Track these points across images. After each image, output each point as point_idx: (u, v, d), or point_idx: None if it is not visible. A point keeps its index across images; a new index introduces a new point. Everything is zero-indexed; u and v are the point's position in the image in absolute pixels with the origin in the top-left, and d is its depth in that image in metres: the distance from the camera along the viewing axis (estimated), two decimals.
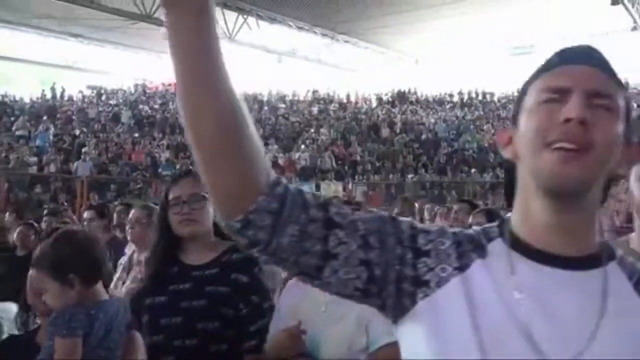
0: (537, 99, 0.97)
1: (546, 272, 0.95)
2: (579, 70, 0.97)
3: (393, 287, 0.97)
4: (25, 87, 27.96)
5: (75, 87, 28.51)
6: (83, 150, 16.74)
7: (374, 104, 27.18)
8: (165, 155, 17.80)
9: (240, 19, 21.83)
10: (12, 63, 30.15)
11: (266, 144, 19.38)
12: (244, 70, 29.12)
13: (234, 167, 0.92)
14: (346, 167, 17.67)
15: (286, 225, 0.93)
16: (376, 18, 21.87)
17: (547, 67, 1.01)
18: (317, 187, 13.27)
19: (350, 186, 12.67)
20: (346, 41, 25.61)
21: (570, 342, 0.89)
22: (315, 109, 25.43)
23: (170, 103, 26.22)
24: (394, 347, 2.09)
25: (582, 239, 0.97)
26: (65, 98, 26.60)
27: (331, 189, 12.60)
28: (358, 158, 18.51)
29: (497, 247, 0.99)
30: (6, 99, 24.99)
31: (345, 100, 27.19)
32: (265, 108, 25.92)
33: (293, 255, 0.95)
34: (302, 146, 18.73)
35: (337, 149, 18.08)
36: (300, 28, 23.66)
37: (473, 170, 16.82)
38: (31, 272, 2.01)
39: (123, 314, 2.03)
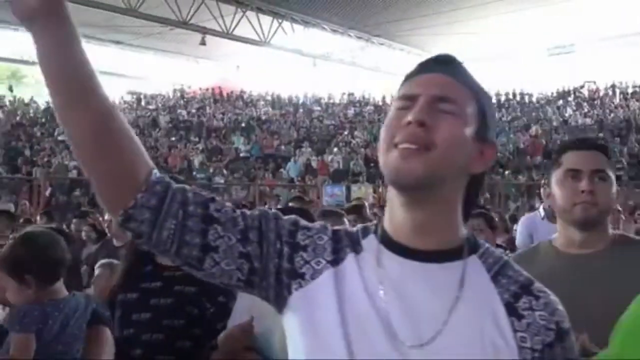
0: (394, 107, 1.07)
1: (407, 265, 1.02)
2: (430, 78, 1.06)
3: (273, 278, 1.04)
4: None
5: (117, 93, 29.25)
6: None
7: None
8: (199, 158, 18.10)
9: (275, 23, 22.04)
10: None
11: (300, 147, 19.52)
12: (279, 74, 29.41)
13: (111, 169, 1.00)
14: (378, 170, 17.65)
15: (165, 219, 1.01)
16: (412, 20, 21.79)
17: (408, 77, 1.10)
18: (348, 190, 13.30)
19: (380, 189, 12.68)
20: (381, 43, 25.58)
21: (423, 329, 0.97)
22: (350, 112, 25.46)
23: (207, 107, 26.65)
24: None
25: (439, 234, 1.04)
26: None
27: (362, 191, 12.61)
28: None
29: (370, 243, 1.07)
30: (50, 105, 25.72)
31: (380, 103, 27.14)
32: (301, 111, 26.08)
33: (173, 247, 1.02)
34: (335, 149, 18.79)
35: (370, 152, 18.08)
36: (334, 31, 23.74)
37: (507, 172, 16.60)
38: None
39: (83, 310, 2.11)
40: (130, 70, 29.89)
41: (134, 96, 28.96)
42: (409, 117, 1.00)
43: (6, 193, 14.16)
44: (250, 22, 21.37)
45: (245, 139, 20.68)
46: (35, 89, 30.17)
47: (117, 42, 25.81)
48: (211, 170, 17.22)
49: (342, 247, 1.07)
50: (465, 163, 1.04)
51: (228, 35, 21.93)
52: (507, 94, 26.24)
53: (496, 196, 13.63)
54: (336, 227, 1.12)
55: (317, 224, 1.12)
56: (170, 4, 19.57)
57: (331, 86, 28.42)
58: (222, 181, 16.67)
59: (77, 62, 0.99)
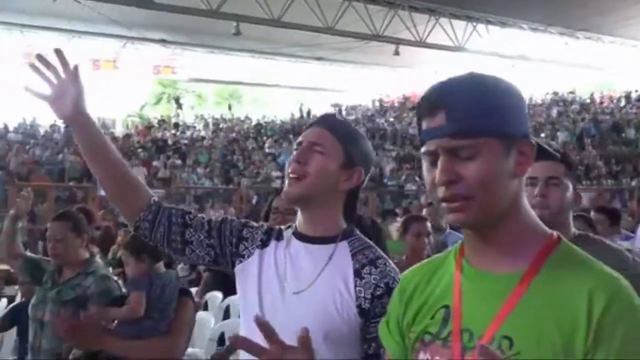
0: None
1: (300, 245, 1.66)
2: (311, 130, 1.67)
3: (228, 258, 1.72)
4: (282, 110, 31.30)
5: (321, 106, 31.11)
6: None
7: (623, 103, 24.88)
8: (391, 166, 18.63)
9: (470, 27, 21.85)
10: (270, 88, 33.89)
11: None
12: None
13: (125, 199, 1.75)
14: (578, 172, 16.63)
15: (158, 226, 1.72)
16: (623, 10, 20.15)
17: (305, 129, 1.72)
18: None
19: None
20: (588, 38, 23.94)
21: (302, 284, 1.60)
22: (554, 112, 24.20)
23: (405, 115, 27.17)
24: None
25: (321, 227, 1.64)
26: (313, 116, 29.19)
27: None
28: (590, 161, 17.29)
29: (288, 233, 1.71)
30: (261, 121, 28.23)
31: (588, 101, 25.37)
32: None
33: (164, 243, 1.72)
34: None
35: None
36: (534, 29, 22.80)
37: None
38: (121, 252, 2.87)
39: (174, 283, 2.84)
40: (331, 84, 31.51)
41: (336, 108, 30.55)
42: (293, 157, 1.62)
43: (220, 202, 15.98)
44: (443, 29, 21.46)
45: None
46: (251, 107, 33.34)
47: (319, 59, 27.47)
48: (403, 178, 17.64)
49: (271, 236, 1.71)
50: (333, 184, 1.61)
51: (421, 43, 22.26)
52: None
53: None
54: (269, 225, 1.78)
55: (258, 223, 1.78)
56: (364, 19, 20.47)
57: (531, 87, 27.22)
58: (414, 188, 17.00)
59: (99, 147, 1.71)
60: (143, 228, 1.71)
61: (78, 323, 2.45)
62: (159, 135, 24.84)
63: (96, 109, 28.52)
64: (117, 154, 1.73)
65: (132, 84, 31.86)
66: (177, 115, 30.35)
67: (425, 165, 1.12)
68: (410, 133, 23.58)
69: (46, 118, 24.25)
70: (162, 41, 24.19)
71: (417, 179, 17.48)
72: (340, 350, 1.52)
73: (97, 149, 1.70)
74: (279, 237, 1.70)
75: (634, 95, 25.31)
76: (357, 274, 1.57)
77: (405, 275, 1.26)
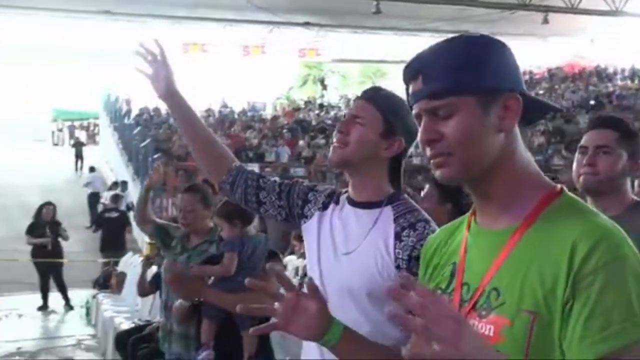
0: None
1: (350, 209, 1.80)
2: (355, 102, 1.85)
3: (297, 218, 1.93)
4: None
5: None
6: None
7: None
8: (539, 140, 17.80)
9: None
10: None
11: None
12: (638, 43, 26.49)
13: (211, 163, 2.02)
14: None
15: (237, 188, 1.97)
16: None
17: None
18: None
19: None
20: None
21: (350, 245, 1.75)
22: None
23: (557, 87, 25.67)
24: None
25: (367, 193, 1.77)
26: None
27: None
28: None
29: (343, 198, 1.86)
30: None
31: None
32: None
33: (242, 202, 1.97)
34: None
35: None
36: None
37: None
38: (215, 218, 3.24)
39: (263, 245, 3.12)
40: None
41: None
42: (337, 128, 1.79)
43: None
44: None
45: (593, 118, 19.43)
46: (395, 85, 33.17)
47: (464, 32, 26.71)
48: (549, 152, 16.82)
49: (330, 200, 1.87)
50: (374, 152, 1.73)
51: (573, 9, 20.86)
52: None
53: None
54: (332, 189, 1.95)
55: (324, 186, 1.99)
56: None
57: None
58: (561, 162, 16.13)
59: (189, 120, 2.02)
60: (225, 190, 1.99)
61: (182, 276, 2.84)
62: (304, 116, 25.64)
63: (247, 93, 30.27)
64: (205, 126, 2.04)
65: (280, 67, 33.06)
66: (322, 96, 31.11)
67: (418, 127, 1.18)
68: (564, 105, 22.31)
69: (203, 103, 26.10)
70: (306, 24, 24.89)
71: (564, 153, 16.56)
72: (381, 305, 1.62)
73: (188, 121, 2.01)
74: (338, 200, 1.85)
75: None
76: (397, 236, 1.67)
77: (430, 237, 1.34)
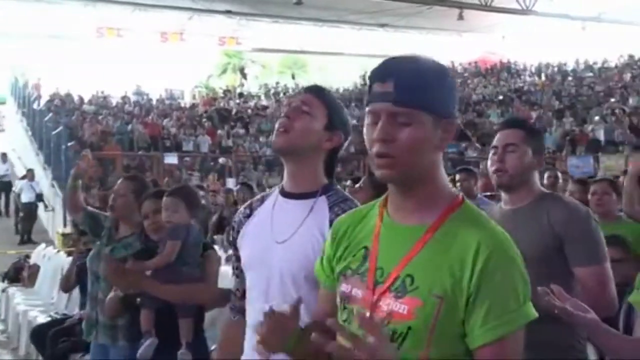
0: None
1: (285, 201, 1.87)
2: (302, 94, 1.90)
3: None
4: (346, 77, 31.21)
5: None
6: None
7: None
8: None
9: None
10: (334, 57, 33.79)
11: (561, 117, 18.56)
12: (546, 41, 27.89)
13: None
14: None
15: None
16: None
17: None
18: (596, 160, 12.43)
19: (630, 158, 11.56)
20: None
21: (285, 234, 1.81)
22: (627, 76, 23.13)
23: (469, 81, 26.64)
24: None
25: (302, 183, 1.84)
26: None
27: (611, 162, 11.66)
28: None
29: (273, 194, 1.93)
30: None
31: None
32: (570, 78, 24.52)
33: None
34: (597, 118, 17.47)
35: (637, 119, 16.41)
36: None
37: None
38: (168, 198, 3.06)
39: (200, 235, 3.09)
40: (396, 51, 30.58)
41: None
42: (283, 113, 1.86)
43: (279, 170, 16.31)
44: None
45: (503, 112, 20.33)
46: (315, 76, 33.42)
47: (383, 25, 27.22)
48: (463, 145, 17.44)
49: (252, 208, 1.96)
50: (316, 142, 1.81)
51: (487, 7, 21.66)
52: None
53: None
54: (249, 202, 2.02)
55: (236, 215, 2.04)
56: None
57: (604, 50, 26.03)
58: (475, 155, 16.79)
59: None
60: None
61: (122, 268, 2.79)
62: (224, 105, 25.37)
63: (164, 80, 29.58)
64: None
65: (199, 55, 32.47)
66: (242, 85, 30.85)
67: (367, 124, 1.31)
68: (474, 100, 23.17)
69: (117, 90, 25.30)
70: (227, 12, 24.58)
71: (477, 146, 17.23)
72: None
73: None
74: (262, 202, 1.94)
75: None
76: (332, 224, 1.67)
77: (340, 219, 1.50)
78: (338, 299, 1.39)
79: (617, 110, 17.30)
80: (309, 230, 1.78)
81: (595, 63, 25.81)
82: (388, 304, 1.26)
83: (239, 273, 1.97)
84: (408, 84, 1.25)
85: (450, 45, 29.93)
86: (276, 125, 1.84)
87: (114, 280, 2.87)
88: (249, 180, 11.50)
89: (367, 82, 1.32)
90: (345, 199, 1.84)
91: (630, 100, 19.13)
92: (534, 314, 1.24)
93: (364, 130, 1.31)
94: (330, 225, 1.69)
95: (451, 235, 1.26)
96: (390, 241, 1.31)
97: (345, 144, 1.91)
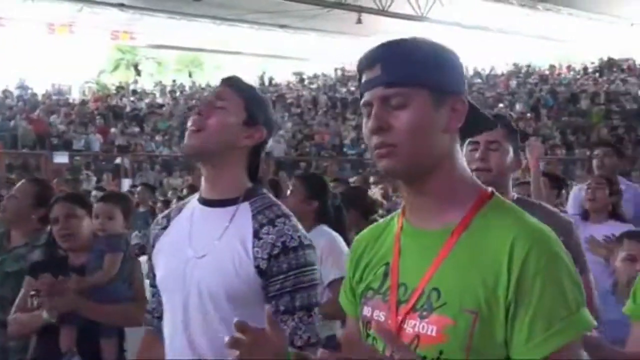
0: None
1: (203, 210, 1.67)
2: (217, 88, 1.68)
3: None
4: (245, 77, 30.77)
5: (284, 74, 30.85)
6: (279, 132, 18.26)
7: (579, 74, 25.30)
8: (352, 135, 18.67)
9: None
10: (233, 56, 33.36)
11: None
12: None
13: None
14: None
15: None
16: None
17: None
18: None
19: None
20: (547, 9, 24.14)
21: (203, 247, 1.59)
22: (513, 83, 24.47)
23: None
24: (342, 280, 2.82)
25: (222, 188, 1.63)
26: (274, 84, 28.95)
27: None
28: (547, 132, 17.60)
29: (191, 202, 1.74)
30: None
31: (547, 72, 25.71)
32: None
33: None
34: None
35: (524, 124, 17.37)
36: (496, 0, 22.88)
37: None
38: (104, 204, 2.84)
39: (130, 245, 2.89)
40: (294, 52, 31.19)
41: (298, 77, 30.30)
42: (194, 111, 1.62)
43: (179, 170, 15.84)
44: None
45: None
46: (212, 75, 32.80)
47: (282, 26, 27.15)
48: (362, 146, 17.71)
49: (169, 219, 1.74)
50: (233, 140, 1.61)
51: (384, 12, 22.15)
52: None
53: None
54: (168, 211, 1.82)
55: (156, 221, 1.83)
56: None
57: (492, 58, 27.43)
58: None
59: None
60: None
61: (60, 286, 2.42)
62: (117, 102, 24.35)
63: (51, 74, 27.95)
64: None
65: (89, 49, 30.97)
66: (136, 82, 29.72)
67: (364, 119, 1.15)
68: None
69: None
70: (120, 5, 23.56)
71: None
72: (244, 309, 1.53)
73: None
74: (179, 212, 1.74)
75: (590, 67, 25.75)
76: (256, 234, 1.57)
77: (358, 237, 1.31)
78: (360, 325, 1.21)
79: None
80: (229, 242, 1.57)
81: (483, 70, 27.12)
82: (414, 325, 1.07)
83: (155, 292, 1.75)
84: (397, 62, 1.11)
85: (347, 50, 30.39)
86: (188, 125, 1.63)
87: (49, 299, 2.45)
88: (147, 181, 11.04)
89: (357, 75, 1.19)
90: (272, 205, 1.64)
91: (517, 106, 20.23)
92: (591, 322, 1.04)
93: (363, 130, 1.17)
94: (254, 235, 1.57)
95: (481, 236, 1.08)
96: (412, 251, 1.14)
97: (270, 140, 1.73)
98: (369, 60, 1.14)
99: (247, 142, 1.65)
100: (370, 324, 1.15)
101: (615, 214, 3.52)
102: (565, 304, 1.02)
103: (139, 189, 7.87)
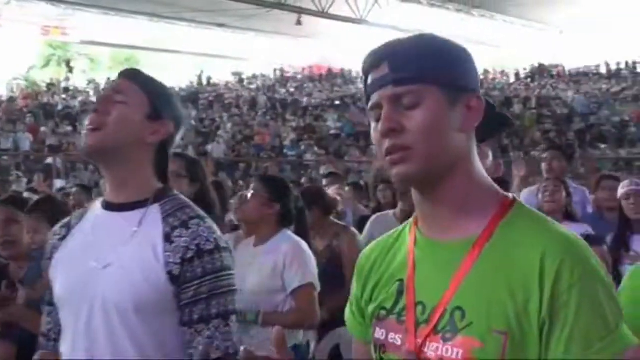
0: None
1: (108, 216, 1.51)
2: (115, 81, 1.57)
3: None
4: (183, 77, 30.30)
5: (222, 74, 30.48)
6: (218, 133, 18.01)
7: (512, 79, 26.12)
8: (292, 136, 18.61)
9: (372, 0, 22.02)
10: (170, 55, 32.73)
11: None
12: None
13: None
14: None
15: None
16: None
17: None
18: None
19: None
20: (482, 15, 24.80)
21: (108, 256, 1.44)
22: None
23: (305, 86, 27.17)
24: (306, 288, 2.57)
25: (127, 190, 1.49)
26: (213, 84, 28.58)
27: None
28: None
29: (94, 208, 1.57)
30: None
31: (482, 77, 26.37)
32: None
33: None
34: None
35: None
36: (432, 5, 23.32)
37: (603, 145, 15.77)
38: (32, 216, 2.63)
39: None
40: (233, 52, 30.90)
41: (236, 77, 30.02)
42: (92, 108, 1.49)
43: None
44: (346, 0, 21.49)
45: (339, 117, 20.96)
46: (148, 73, 32.01)
47: (221, 25, 26.82)
48: (302, 148, 17.68)
49: (70, 224, 1.59)
50: (137, 136, 1.47)
51: (324, 14, 22.20)
52: (617, 64, 24.64)
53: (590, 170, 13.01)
54: (67, 220, 1.64)
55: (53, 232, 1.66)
56: None
57: None
58: (313, 158, 17.08)
59: None
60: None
61: (5, 296, 2.27)
62: (48, 100, 23.46)
63: None
64: None
65: (18, 44, 29.74)
66: (67, 80, 28.72)
67: (372, 124, 1.06)
68: (312, 104, 23.63)
69: None
70: None
71: (316, 150, 17.56)
72: (154, 320, 1.42)
73: None
74: (81, 219, 1.58)
75: (522, 73, 26.61)
76: (167, 238, 1.44)
77: (365, 252, 1.20)
78: (372, 350, 1.10)
79: None
80: (137, 249, 1.43)
81: None
82: (436, 349, 0.97)
83: (51, 310, 1.57)
84: (406, 58, 1.02)
85: (287, 50, 30.38)
86: (85, 124, 1.48)
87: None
88: (81, 182, 10.62)
89: (362, 77, 1.09)
90: (184, 207, 1.50)
91: None
92: (634, 340, 0.95)
93: (372, 135, 1.07)
94: (165, 239, 1.43)
95: (506, 248, 0.98)
96: (428, 266, 1.04)
97: (179, 136, 1.57)
98: (375, 59, 1.05)
99: (153, 138, 1.51)
100: (384, 348, 1.05)
101: (569, 215, 3.58)
102: (604, 321, 0.93)
103: (74, 190, 7.53)
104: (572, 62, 26.40)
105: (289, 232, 2.87)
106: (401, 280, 1.07)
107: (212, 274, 1.43)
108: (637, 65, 24.25)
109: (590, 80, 24.15)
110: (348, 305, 1.21)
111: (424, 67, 1.02)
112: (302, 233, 2.95)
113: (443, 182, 1.03)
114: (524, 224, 1.01)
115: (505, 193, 1.08)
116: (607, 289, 0.96)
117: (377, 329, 1.08)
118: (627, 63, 24.61)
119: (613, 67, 24.67)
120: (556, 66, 26.46)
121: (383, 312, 1.08)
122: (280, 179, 3.18)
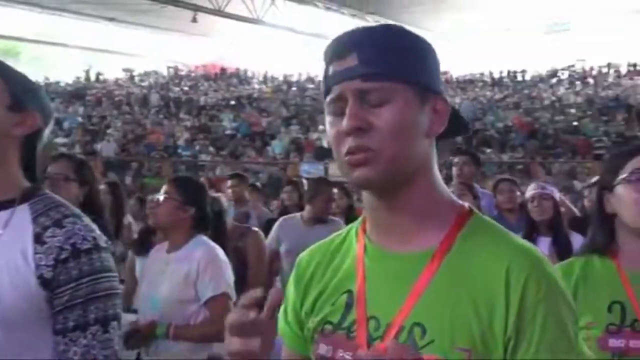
0: None
1: None
2: None
3: None
4: (69, 71, 28.82)
5: (113, 70, 29.32)
6: (108, 131, 17.27)
7: None
8: (186, 136, 18.19)
9: (268, 0, 21.95)
10: (55, 47, 31.06)
11: (288, 124, 19.58)
12: (274, 52, 29.32)
13: None
14: None
15: None
16: None
17: None
18: (326, 169, 13.38)
19: None
20: (376, 21, 25.42)
21: None
22: None
23: (200, 85, 26.67)
24: (220, 298, 2.65)
25: None
26: (102, 80, 27.40)
27: (335, 171, 12.56)
28: None
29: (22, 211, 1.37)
30: (43, 83, 25.83)
31: None
32: (294, 89, 26.07)
33: None
34: (321, 127, 18.83)
35: None
36: (327, 8, 23.60)
37: (488, 150, 16.61)
38: None
39: None
40: (124, 47, 29.83)
41: (127, 73, 28.99)
42: None
43: None
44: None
45: (235, 117, 20.73)
46: (30, 67, 30.29)
47: (111, 19, 25.79)
48: (197, 148, 17.32)
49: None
50: (3, 129, 1.33)
51: (220, 12, 21.88)
52: (500, 72, 26.10)
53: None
54: None
55: None
56: None
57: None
58: (208, 158, 16.77)
59: None
60: None
61: None
62: None
63: None
64: None
65: None
66: None
67: (328, 118, 0.98)
68: (208, 103, 23.22)
69: None
70: None
71: (211, 149, 17.26)
72: (22, 333, 1.27)
73: None
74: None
75: None
76: (38, 238, 1.30)
77: (303, 257, 1.11)
78: None
79: None
80: (3, 253, 1.29)
81: (316, 76, 27.85)
82: None
83: None
84: (377, 52, 0.93)
85: (181, 48, 29.70)
86: None
87: None
88: None
89: (323, 64, 0.99)
90: (58, 206, 1.37)
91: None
92: (589, 354, 0.97)
93: (327, 128, 0.98)
94: (36, 240, 1.29)
95: (466, 260, 0.93)
96: (380, 277, 0.97)
97: (47, 128, 1.43)
98: (340, 49, 0.96)
99: (17, 130, 1.36)
100: None
101: (577, 226, 3.61)
102: (567, 337, 0.91)
103: None
104: (458, 70, 27.66)
105: (204, 238, 2.71)
106: (349, 292, 0.99)
107: (90, 276, 1.30)
108: (517, 74, 25.80)
109: (475, 87, 25.39)
110: (281, 312, 1.10)
111: (396, 63, 0.94)
112: (218, 238, 2.80)
113: (404, 190, 0.97)
114: (484, 235, 0.97)
115: (462, 202, 1.03)
116: (568, 303, 0.94)
117: (322, 345, 1.00)
118: (508, 72, 26.11)
119: (496, 76, 26.08)
120: (445, 72, 27.61)
121: (329, 327, 1.00)
122: (195, 181, 3.00)
